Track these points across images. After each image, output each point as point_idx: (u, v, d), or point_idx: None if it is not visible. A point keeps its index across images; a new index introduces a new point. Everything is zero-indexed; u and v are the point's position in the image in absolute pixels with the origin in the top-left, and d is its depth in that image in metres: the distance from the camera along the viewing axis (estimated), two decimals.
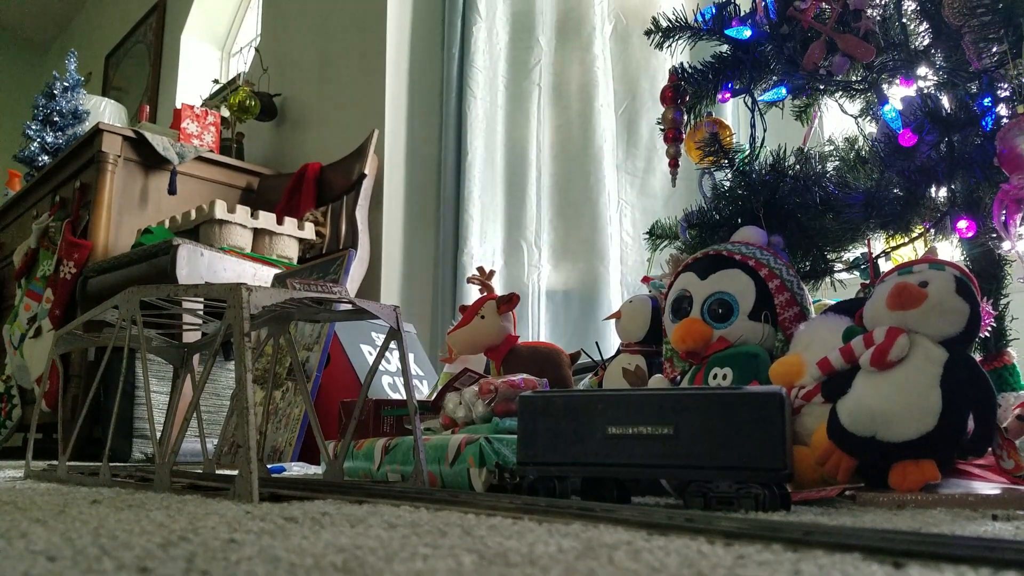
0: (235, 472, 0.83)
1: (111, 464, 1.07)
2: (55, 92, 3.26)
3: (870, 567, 0.41)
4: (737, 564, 0.42)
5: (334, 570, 0.40)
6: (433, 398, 1.27)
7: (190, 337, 1.70)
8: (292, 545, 0.48)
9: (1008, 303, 1.13)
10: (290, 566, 0.41)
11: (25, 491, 0.95)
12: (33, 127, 3.25)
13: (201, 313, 1.21)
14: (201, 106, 2.91)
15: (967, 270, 0.91)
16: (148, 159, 2.53)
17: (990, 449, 0.84)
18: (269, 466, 1.37)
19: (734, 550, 0.47)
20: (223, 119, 2.89)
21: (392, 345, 1.00)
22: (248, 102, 2.86)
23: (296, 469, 1.63)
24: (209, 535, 0.53)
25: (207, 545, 0.48)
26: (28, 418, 2.52)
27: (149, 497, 0.84)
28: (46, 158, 3.19)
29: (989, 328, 1.04)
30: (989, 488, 0.81)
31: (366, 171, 2.40)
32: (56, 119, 3.28)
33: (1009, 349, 1.10)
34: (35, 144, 3.24)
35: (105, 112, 3.43)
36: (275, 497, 0.81)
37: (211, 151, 2.69)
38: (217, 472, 1.20)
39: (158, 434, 1.23)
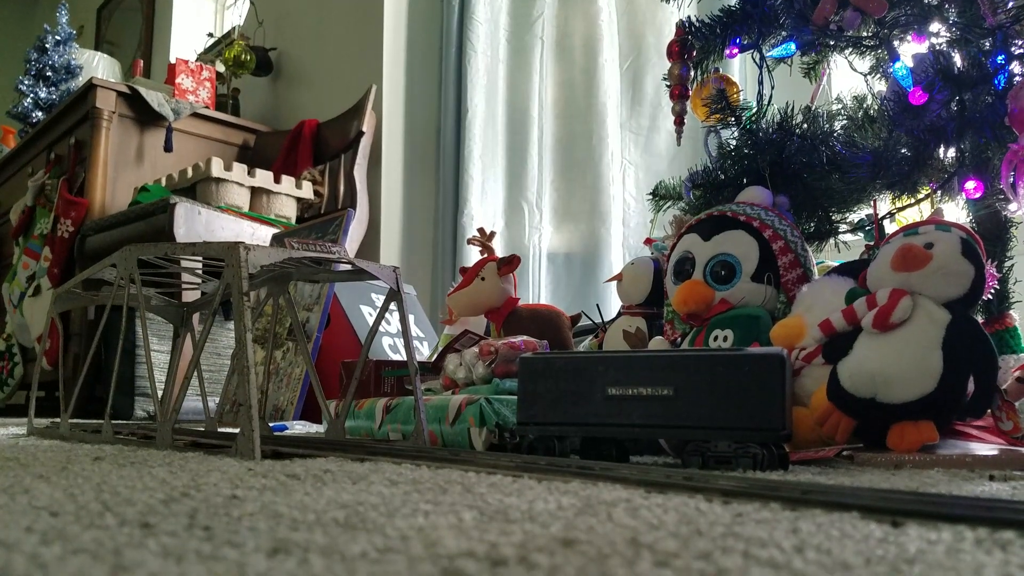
0: (237, 430, 0.83)
1: (113, 422, 1.08)
2: (47, 46, 3.21)
3: (868, 526, 0.41)
4: (735, 522, 0.42)
5: (336, 525, 0.40)
6: (434, 359, 1.27)
7: (189, 296, 1.70)
8: (294, 501, 0.48)
9: (1012, 266, 1.12)
10: (292, 522, 0.41)
11: (28, 448, 0.96)
12: (26, 82, 3.20)
13: (200, 272, 1.20)
14: (196, 61, 2.86)
15: (973, 232, 0.90)
16: (143, 115, 2.49)
17: (989, 411, 0.84)
18: (272, 424, 1.38)
19: (732, 508, 0.47)
20: (218, 74, 2.84)
21: (392, 306, 1.00)
22: (243, 56, 2.81)
23: (298, 427, 1.64)
24: (211, 491, 0.53)
25: (209, 501, 0.48)
26: (30, 376, 2.53)
27: (151, 454, 0.84)
28: (40, 114, 3.15)
29: (992, 290, 1.04)
30: (986, 449, 0.82)
31: (364, 128, 2.37)
32: (49, 74, 3.23)
33: (1011, 312, 1.10)
34: (28, 100, 3.20)
35: (98, 67, 3.38)
36: (277, 455, 0.82)
37: (207, 107, 2.66)
38: (219, 430, 1.20)
39: (159, 392, 1.24)
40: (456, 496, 0.51)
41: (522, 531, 0.39)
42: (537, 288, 2.24)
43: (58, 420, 1.30)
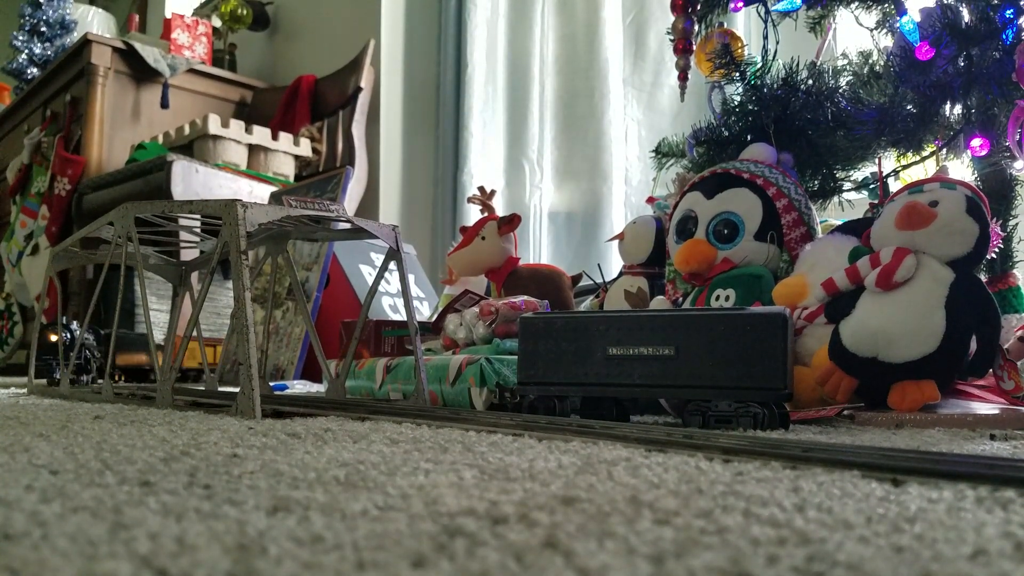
0: (237, 389, 0.83)
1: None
2: (41, 0, 3.15)
3: (869, 484, 0.41)
4: (736, 481, 0.42)
5: (336, 484, 0.40)
6: (434, 319, 1.27)
7: (188, 255, 1.69)
8: (295, 460, 0.48)
9: (1016, 224, 1.11)
10: (292, 480, 0.41)
11: (28, 407, 0.96)
12: (20, 38, 3.15)
13: (198, 230, 1.19)
14: (192, 15, 2.80)
15: (978, 190, 0.89)
16: (139, 71, 2.46)
17: (991, 370, 0.84)
18: (272, 384, 1.38)
19: (733, 467, 0.47)
20: (214, 29, 2.80)
21: (392, 266, 0.99)
22: (240, 11, 2.76)
23: (299, 387, 1.64)
24: (211, 450, 0.53)
25: (209, 460, 0.48)
26: (29, 335, 2.54)
27: (151, 413, 0.84)
28: (35, 70, 3.11)
29: (996, 249, 1.03)
30: (987, 408, 0.82)
31: (362, 84, 2.34)
32: (43, 29, 3.18)
33: (1014, 271, 1.10)
34: (23, 56, 3.15)
35: (93, 22, 3.32)
36: (277, 414, 0.82)
37: (203, 63, 2.62)
38: (219, 389, 1.21)
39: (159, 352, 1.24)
40: (457, 455, 0.51)
41: (522, 489, 0.39)
42: (538, 247, 2.23)
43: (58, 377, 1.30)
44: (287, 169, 2.33)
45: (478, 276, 1.41)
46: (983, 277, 1.07)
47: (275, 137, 2.30)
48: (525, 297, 1.13)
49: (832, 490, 0.39)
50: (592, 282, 1.45)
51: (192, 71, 2.56)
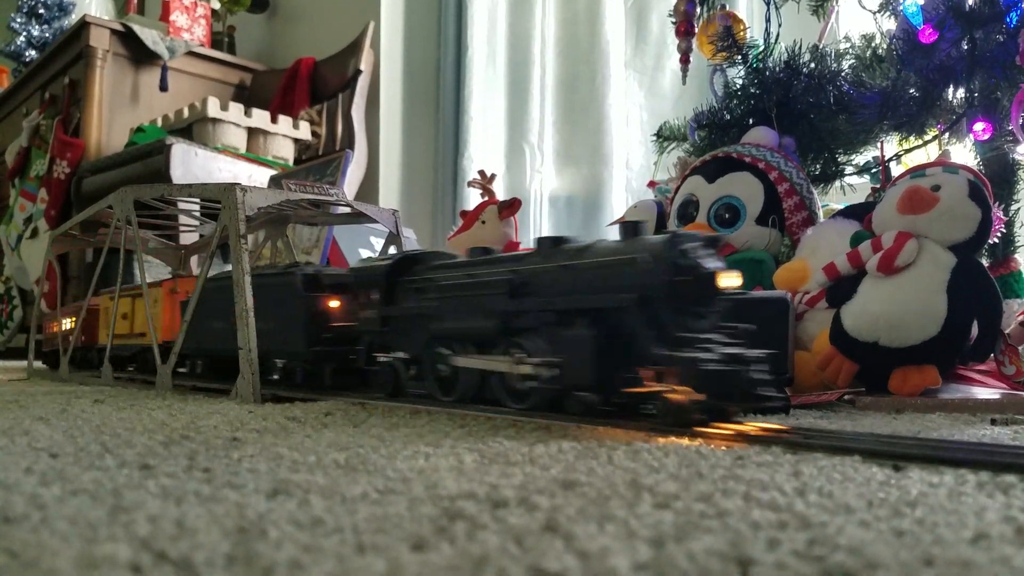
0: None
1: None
2: None
3: (870, 469, 0.41)
4: (736, 465, 0.42)
5: (336, 467, 0.40)
6: None
7: (187, 239, 1.69)
8: (294, 443, 0.48)
9: (1019, 209, 1.11)
10: (292, 463, 0.41)
11: (28, 390, 0.96)
12: (18, 20, 3.13)
13: (197, 214, 1.19)
14: None
15: (981, 174, 0.88)
16: (138, 54, 2.44)
17: (992, 355, 0.84)
18: None
19: (733, 451, 0.47)
20: (213, 11, 2.77)
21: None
22: None
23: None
24: (211, 434, 0.53)
25: (209, 443, 0.48)
26: (29, 319, 2.54)
27: (151, 397, 0.84)
28: (33, 53, 3.09)
29: (998, 234, 1.03)
30: (988, 393, 0.82)
31: (362, 67, 2.32)
32: (41, 11, 3.16)
33: (1016, 256, 1.09)
34: (21, 38, 3.13)
35: (91, 4, 3.29)
36: (277, 398, 0.82)
37: (202, 45, 2.60)
38: None
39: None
40: (457, 439, 0.51)
41: (523, 473, 0.39)
42: (538, 231, 2.23)
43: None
44: (286, 152, 2.32)
45: None
46: (985, 262, 1.07)
47: (274, 120, 2.29)
48: None
49: (833, 474, 0.39)
50: None
51: (191, 54, 2.54)
